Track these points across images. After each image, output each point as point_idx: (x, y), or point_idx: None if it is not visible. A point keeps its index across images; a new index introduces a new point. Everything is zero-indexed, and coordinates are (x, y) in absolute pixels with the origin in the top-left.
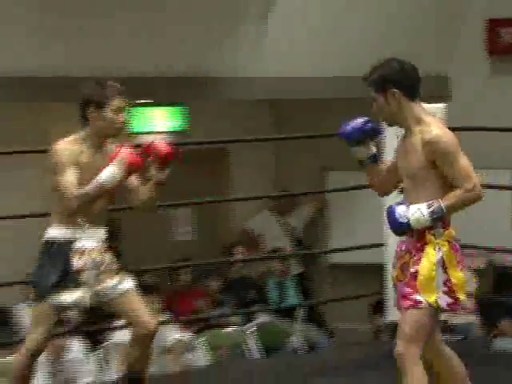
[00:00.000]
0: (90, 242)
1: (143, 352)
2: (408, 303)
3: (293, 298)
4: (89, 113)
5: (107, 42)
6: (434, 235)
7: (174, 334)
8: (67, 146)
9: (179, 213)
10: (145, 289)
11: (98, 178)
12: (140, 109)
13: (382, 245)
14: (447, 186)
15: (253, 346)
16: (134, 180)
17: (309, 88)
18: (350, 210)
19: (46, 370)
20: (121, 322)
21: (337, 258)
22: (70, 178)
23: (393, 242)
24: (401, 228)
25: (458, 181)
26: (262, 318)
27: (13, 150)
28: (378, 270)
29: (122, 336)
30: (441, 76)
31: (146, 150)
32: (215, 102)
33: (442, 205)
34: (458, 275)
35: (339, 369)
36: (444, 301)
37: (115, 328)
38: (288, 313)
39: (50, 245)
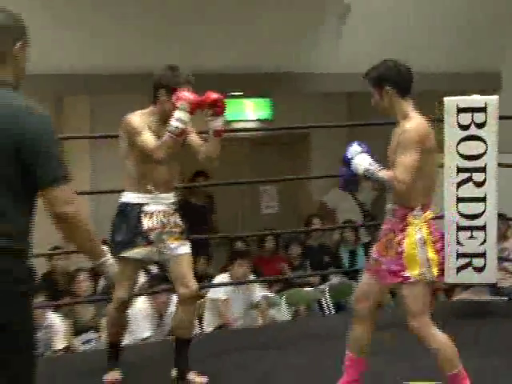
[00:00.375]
0: (158, 205)
1: (188, 314)
2: (398, 279)
3: (362, 262)
4: (159, 95)
5: (205, 45)
6: (414, 217)
7: (260, 292)
8: (137, 116)
9: (266, 189)
10: (237, 253)
11: (168, 127)
12: (233, 100)
13: (440, 217)
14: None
15: (326, 303)
16: (196, 139)
17: None
18: None
19: (151, 322)
20: (216, 280)
21: None
22: (146, 136)
23: (449, 216)
24: (344, 159)
25: (396, 169)
26: (335, 279)
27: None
28: None
29: (215, 293)
30: (494, 72)
31: (197, 104)
32: (298, 94)
33: (377, 172)
34: (432, 253)
35: (400, 324)
36: (433, 274)
37: (211, 286)
38: (357, 275)
39: (124, 207)
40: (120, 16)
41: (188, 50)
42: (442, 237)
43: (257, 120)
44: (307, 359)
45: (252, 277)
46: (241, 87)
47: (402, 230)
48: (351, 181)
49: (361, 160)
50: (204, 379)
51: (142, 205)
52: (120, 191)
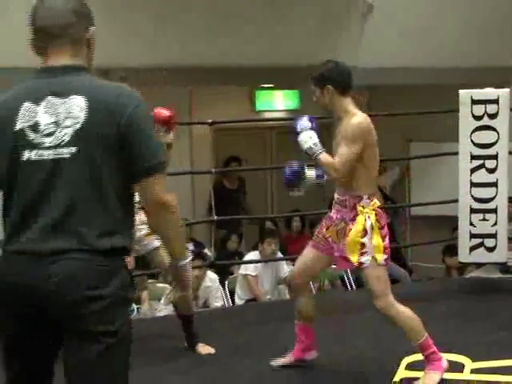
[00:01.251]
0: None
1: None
2: (351, 265)
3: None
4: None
5: (239, 40)
6: (362, 206)
7: (287, 268)
8: None
9: None
10: (266, 233)
11: None
12: (265, 91)
13: (455, 201)
14: (359, 164)
15: (348, 279)
16: None
17: (397, 76)
18: (428, 174)
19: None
20: (247, 257)
21: (416, 211)
22: None
23: (463, 200)
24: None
25: (335, 157)
26: None
27: None
28: (449, 220)
29: (246, 269)
30: (506, 67)
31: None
32: None
33: (319, 154)
34: (378, 239)
35: (418, 298)
36: (382, 259)
37: (242, 262)
38: None
39: None
40: (159, 15)
41: (225, 44)
42: (387, 224)
43: (285, 110)
44: (330, 330)
45: (280, 254)
46: (271, 79)
47: (353, 219)
48: (293, 180)
49: (307, 136)
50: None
51: None
52: None
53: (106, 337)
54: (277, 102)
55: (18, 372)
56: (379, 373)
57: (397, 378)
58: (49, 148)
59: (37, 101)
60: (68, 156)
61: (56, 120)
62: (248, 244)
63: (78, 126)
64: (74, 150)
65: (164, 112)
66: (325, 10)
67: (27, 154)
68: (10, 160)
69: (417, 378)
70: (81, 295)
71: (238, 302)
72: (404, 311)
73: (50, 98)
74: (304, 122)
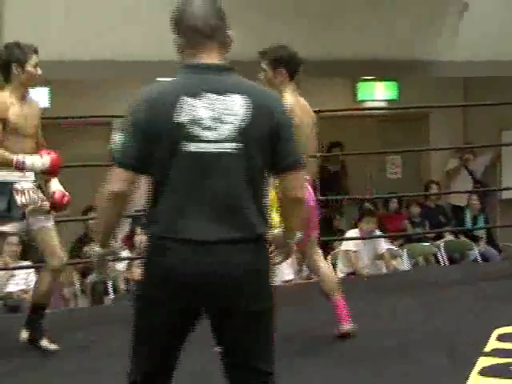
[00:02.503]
0: (26, 183)
1: (51, 283)
2: None
3: (476, 223)
4: (11, 70)
5: (344, 35)
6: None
7: (385, 245)
8: None
9: (391, 158)
10: (366, 212)
11: (22, 158)
12: (366, 83)
13: None
14: None
15: (442, 256)
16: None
17: (490, 68)
18: None
19: (292, 267)
20: (348, 235)
21: (507, 195)
22: None
23: None
24: None
25: None
26: (450, 236)
27: None
28: None
29: (347, 245)
30: None
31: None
32: (422, 78)
33: None
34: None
35: (506, 275)
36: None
37: (343, 239)
38: (470, 233)
39: None
40: (271, 14)
41: (329, 39)
42: None
43: (385, 100)
44: (423, 302)
45: (378, 232)
46: (372, 72)
47: None
48: None
49: None
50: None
51: (12, 182)
52: None
53: (267, 313)
54: (377, 92)
55: (156, 346)
56: (470, 343)
57: (487, 349)
58: (208, 141)
59: (195, 96)
60: (228, 150)
61: (215, 115)
62: (349, 222)
63: (238, 122)
64: (234, 145)
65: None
66: (423, 5)
67: (187, 146)
68: (169, 150)
69: (508, 349)
70: (246, 280)
71: (340, 275)
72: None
73: (208, 94)
74: None
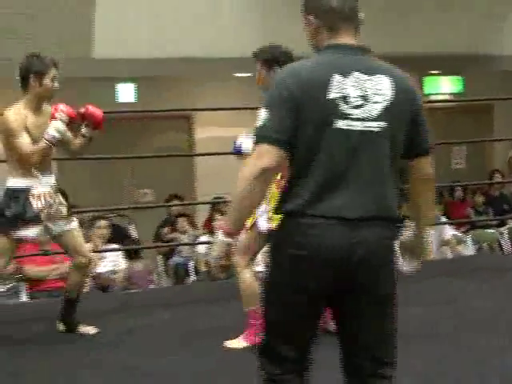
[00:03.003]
0: (43, 188)
1: (81, 278)
2: None
3: None
4: (29, 81)
5: (411, 31)
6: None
7: (449, 232)
8: (14, 115)
9: (456, 149)
10: None
11: (46, 135)
12: (432, 77)
13: None
14: None
15: (505, 242)
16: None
17: None
18: None
19: None
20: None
21: None
22: (23, 139)
23: None
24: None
25: None
26: None
27: None
28: None
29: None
30: None
31: (83, 114)
32: (486, 72)
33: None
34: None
35: None
36: (264, 225)
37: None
38: None
39: (12, 191)
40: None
41: (397, 34)
42: None
43: (451, 93)
44: (487, 287)
45: (443, 219)
46: (439, 67)
47: None
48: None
49: (245, 145)
50: (94, 329)
51: (29, 188)
52: None
53: (392, 298)
54: (443, 86)
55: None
56: None
57: None
58: (357, 120)
59: (345, 74)
60: (376, 129)
61: (363, 94)
62: None
63: (386, 103)
64: (381, 124)
65: (97, 113)
66: (488, 1)
67: (337, 123)
68: (317, 127)
69: None
70: (384, 261)
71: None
72: (247, 279)
73: (356, 73)
74: (237, 144)
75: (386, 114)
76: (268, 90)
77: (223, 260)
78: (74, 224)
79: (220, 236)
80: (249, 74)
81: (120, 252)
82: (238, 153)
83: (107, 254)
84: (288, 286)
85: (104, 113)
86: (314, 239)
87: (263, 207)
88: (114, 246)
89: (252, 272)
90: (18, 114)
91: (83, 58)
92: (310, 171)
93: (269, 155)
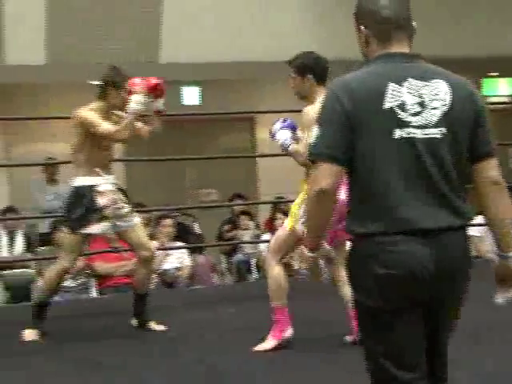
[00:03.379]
0: (107, 185)
1: (147, 272)
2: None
3: None
4: (108, 91)
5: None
6: (305, 181)
7: None
8: (89, 110)
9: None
10: None
11: (129, 109)
12: (490, 79)
13: None
14: None
15: None
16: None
17: None
18: None
19: None
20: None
21: None
22: (105, 124)
23: None
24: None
25: (299, 144)
26: None
27: None
28: None
29: (473, 231)
30: None
31: (151, 88)
32: None
33: (288, 146)
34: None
35: None
36: (301, 228)
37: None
38: None
39: (78, 189)
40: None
41: (456, 36)
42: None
43: (509, 95)
44: None
45: None
46: (497, 69)
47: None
48: (273, 134)
49: (279, 136)
50: (162, 327)
51: (94, 186)
52: None
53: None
54: (501, 88)
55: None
56: None
57: None
58: (417, 127)
59: (399, 82)
60: (438, 136)
61: (420, 101)
62: (473, 209)
63: (445, 108)
64: (443, 130)
65: (152, 79)
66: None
67: (398, 132)
68: (378, 137)
69: None
70: (463, 270)
71: None
72: (276, 275)
73: (411, 80)
74: (276, 126)
75: (445, 120)
76: (302, 96)
77: (312, 269)
78: (137, 220)
79: (303, 250)
80: None
81: (185, 250)
82: (273, 137)
83: (173, 251)
84: (382, 307)
85: (170, 115)
86: (398, 256)
87: (302, 210)
88: (179, 243)
89: (281, 269)
90: (92, 110)
91: (150, 62)
92: (378, 186)
93: (325, 174)
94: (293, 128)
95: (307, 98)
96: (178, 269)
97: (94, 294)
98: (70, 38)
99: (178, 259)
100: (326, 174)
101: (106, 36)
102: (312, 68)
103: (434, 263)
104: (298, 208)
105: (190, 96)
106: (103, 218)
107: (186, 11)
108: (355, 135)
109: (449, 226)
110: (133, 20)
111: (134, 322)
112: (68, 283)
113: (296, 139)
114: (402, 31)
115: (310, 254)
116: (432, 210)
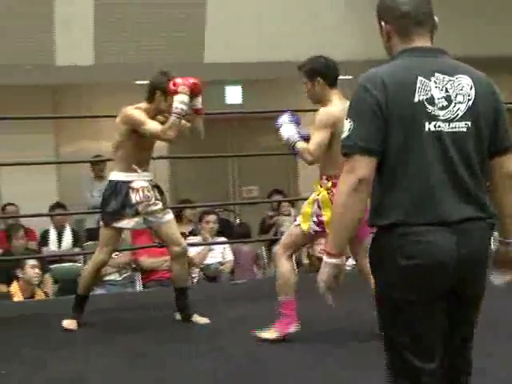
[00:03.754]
0: (142, 182)
1: (181, 267)
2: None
3: None
4: (156, 95)
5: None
6: (320, 185)
7: None
8: (136, 109)
9: None
10: None
11: (174, 109)
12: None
13: None
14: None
15: None
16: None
17: None
18: None
19: None
20: None
21: None
22: (152, 123)
23: None
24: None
25: (309, 143)
26: None
27: None
28: None
29: None
30: None
31: (194, 87)
32: None
33: (295, 142)
34: (329, 214)
35: None
36: (312, 229)
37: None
38: None
39: (115, 184)
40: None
41: (494, 36)
42: None
43: None
44: None
45: None
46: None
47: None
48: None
49: (285, 130)
50: (206, 320)
51: (130, 181)
52: None
53: (481, 299)
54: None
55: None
56: None
57: None
58: (444, 121)
59: (427, 76)
60: (463, 129)
61: (447, 95)
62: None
63: (469, 102)
64: (468, 123)
65: (189, 79)
66: None
67: (427, 125)
68: (408, 131)
69: None
70: (483, 261)
71: None
72: (284, 270)
73: (438, 74)
74: (283, 119)
75: (470, 114)
76: (316, 100)
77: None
78: (170, 216)
79: (326, 259)
80: (349, 77)
81: (227, 245)
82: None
83: (215, 246)
84: (406, 298)
85: (215, 114)
86: (424, 247)
87: (315, 209)
88: (222, 238)
89: (291, 265)
90: (139, 109)
91: (195, 62)
92: (405, 177)
93: (361, 165)
94: (298, 124)
95: (322, 102)
96: (220, 263)
97: (138, 287)
98: (117, 39)
99: (220, 254)
100: (363, 164)
101: (152, 37)
102: (321, 72)
103: (457, 251)
104: (309, 207)
105: (233, 95)
106: (136, 214)
107: (230, 12)
108: (388, 128)
109: (472, 217)
110: (178, 21)
111: (178, 316)
112: (114, 277)
113: (302, 137)
114: (423, 26)
115: (333, 261)
116: (457, 202)
